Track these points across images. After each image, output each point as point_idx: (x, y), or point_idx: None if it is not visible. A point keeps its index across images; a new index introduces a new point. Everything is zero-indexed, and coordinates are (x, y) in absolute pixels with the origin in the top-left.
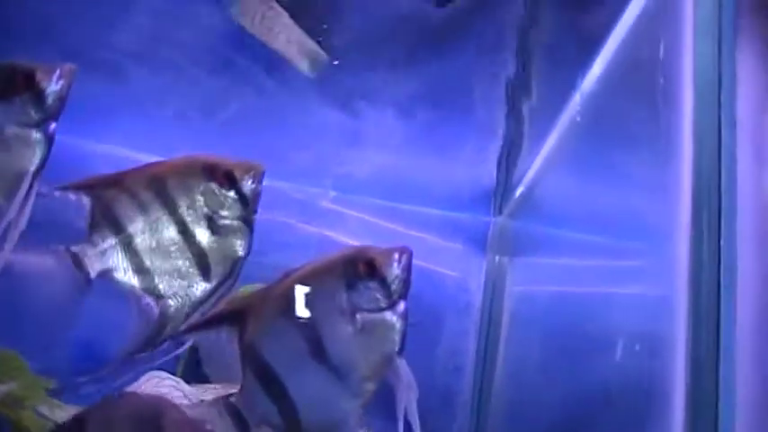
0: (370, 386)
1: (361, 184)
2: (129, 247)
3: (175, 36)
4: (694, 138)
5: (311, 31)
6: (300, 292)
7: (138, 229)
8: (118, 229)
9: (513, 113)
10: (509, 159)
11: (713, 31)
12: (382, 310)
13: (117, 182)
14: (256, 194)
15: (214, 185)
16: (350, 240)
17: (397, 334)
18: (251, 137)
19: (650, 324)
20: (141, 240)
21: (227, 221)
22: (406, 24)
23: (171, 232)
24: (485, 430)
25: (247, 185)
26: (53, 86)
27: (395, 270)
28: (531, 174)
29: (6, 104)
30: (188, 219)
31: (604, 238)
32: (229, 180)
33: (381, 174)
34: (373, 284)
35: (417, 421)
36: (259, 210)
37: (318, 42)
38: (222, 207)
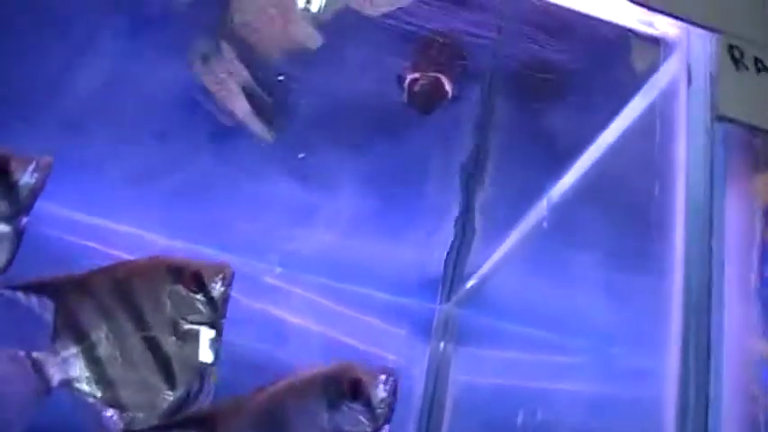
0: None
1: (308, 262)
2: (91, 355)
3: (128, 96)
4: (686, 263)
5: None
6: (279, 409)
7: (101, 336)
8: (81, 336)
9: (467, 202)
10: (460, 247)
11: (706, 163)
12: None
13: (81, 284)
14: (225, 298)
15: (182, 289)
16: (293, 319)
17: None
18: (199, 205)
19: (590, 421)
20: (104, 349)
21: (194, 326)
22: (367, 106)
23: (135, 340)
24: None
25: (216, 288)
26: (27, 179)
27: (381, 393)
28: (486, 266)
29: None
30: (153, 324)
31: (550, 334)
32: (198, 283)
33: (329, 253)
34: (357, 406)
35: None
36: None
37: (275, 116)
38: (190, 311)
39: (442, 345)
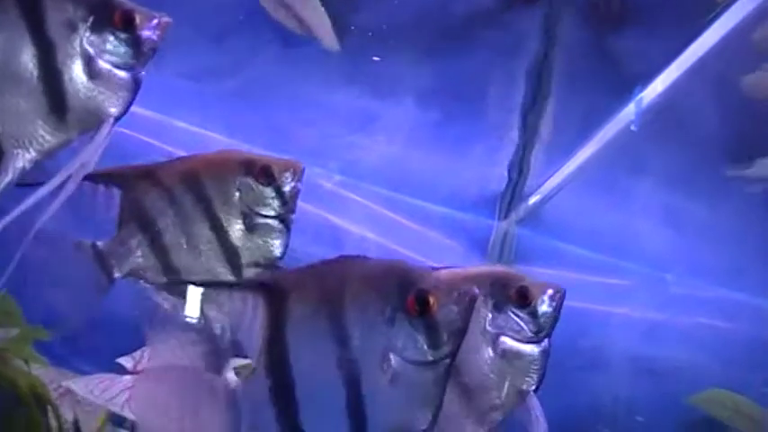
0: (497, 415)
1: (368, 172)
2: (158, 243)
3: None
4: None
5: (338, 13)
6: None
7: (167, 224)
8: (147, 225)
9: (529, 120)
10: (522, 165)
11: None
12: (527, 341)
13: (148, 174)
14: (295, 193)
15: (251, 181)
16: (350, 226)
17: (538, 370)
18: (260, 107)
19: (644, 346)
20: (171, 236)
21: (263, 219)
22: (430, 17)
23: (203, 229)
24: None
25: (287, 183)
26: (150, 34)
27: (546, 306)
28: (549, 184)
29: (100, 38)
30: (222, 215)
31: (607, 257)
32: (267, 176)
33: (389, 163)
34: (523, 314)
35: None
36: None
37: (341, 23)
38: (259, 204)
39: (498, 261)
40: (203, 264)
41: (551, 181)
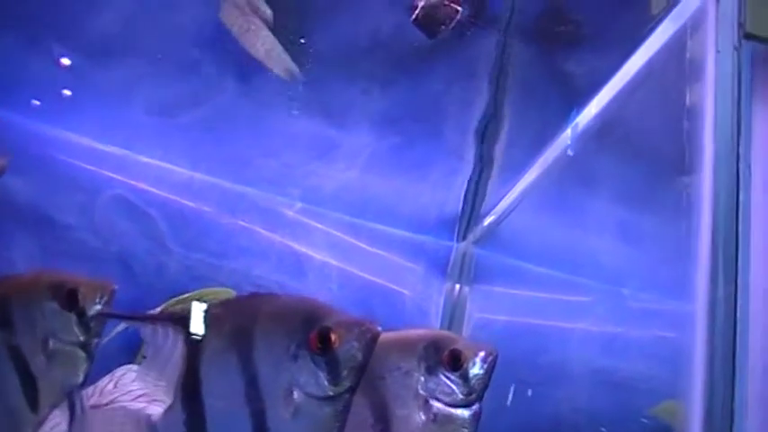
0: None
1: (328, 198)
2: None
3: (152, 30)
4: (714, 193)
5: (290, 42)
6: (375, 359)
7: None
8: None
9: (485, 141)
10: (477, 186)
11: (733, 85)
12: (458, 406)
13: None
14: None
15: (56, 306)
16: (312, 253)
17: None
18: (221, 139)
19: (603, 360)
20: None
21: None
22: (386, 44)
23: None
24: None
25: (93, 308)
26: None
27: (478, 369)
28: (502, 204)
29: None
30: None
31: (564, 273)
32: (71, 301)
33: (349, 189)
34: (454, 377)
35: None
36: (222, 213)
37: (297, 52)
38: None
39: (458, 282)
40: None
41: (505, 201)
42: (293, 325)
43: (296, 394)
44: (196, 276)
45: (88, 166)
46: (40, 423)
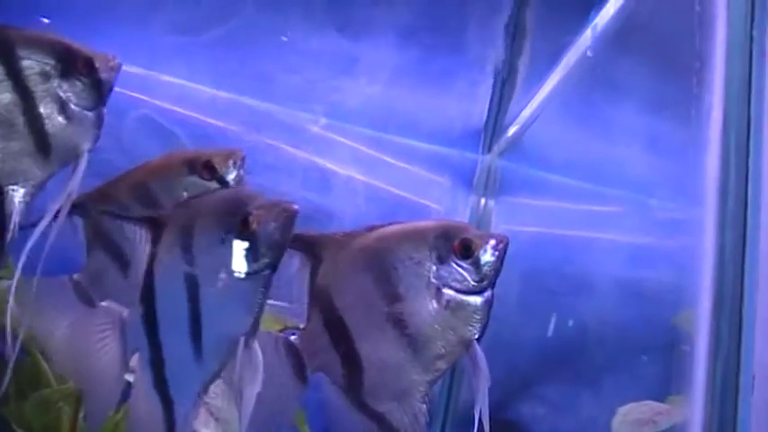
0: (442, 365)
1: (352, 113)
2: (124, 264)
3: None
4: (725, 93)
5: None
6: (387, 250)
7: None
8: (110, 247)
9: (510, 52)
10: (502, 98)
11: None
12: (470, 293)
13: (103, 195)
14: (240, 180)
15: (196, 178)
16: (337, 168)
17: (480, 320)
18: (241, 57)
19: (629, 270)
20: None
21: None
22: None
23: None
24: (460, 367)
25: (231, 174)
26: (108, 75)
27: (489, 256)
28: (525, 114)
29: (68, 84)
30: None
31: (590, 184)
32: (210, 171)
33: (373, 103)
34: (465, 265)
35: (487, 407)
36: (246, 131)
37: None
38: None
39: (483, 194)
40: None
41: (529, 110)
42: (223, 215)
43: (223, 273)
44: None
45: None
46: None
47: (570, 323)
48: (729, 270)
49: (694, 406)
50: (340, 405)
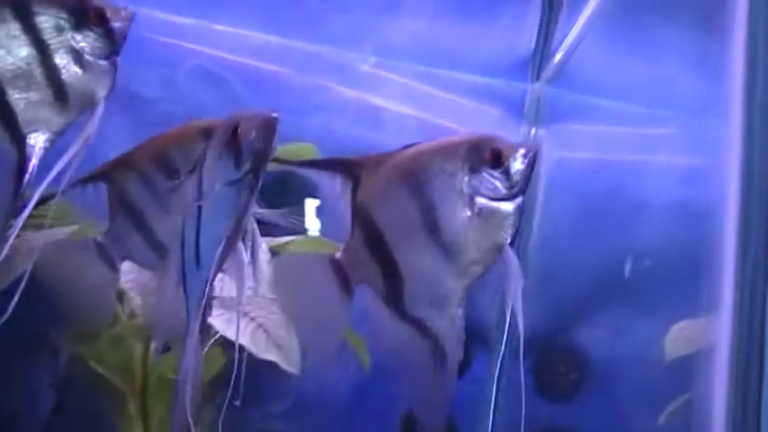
0: (477, 269)
1: (400, 50)
2: (145, 227)
3: None
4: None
5: None
6: (421, 165)
7: (148, 206)
8: (132, 211)
9: None
10: (549, 24)
11: None
12: (501, 200)
13: (124, 163)
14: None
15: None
16: (388, 105)
17: (512, 225)
18: (290, 1)
19: (684, 192)
20: (153, 219)
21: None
22: None
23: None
24: None
25: (248, 140)
26: (120, 25)
27: (519, 164)
28: (571, 39)
29: (82, 35)
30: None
31: (640, 107)
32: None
33: (420, 39)
34: (497, 174)
35: (520, 309)
36: (298, 73)
37: None
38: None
39: (534, 123)
40: None
41: (573, 35)
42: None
43: (215, 184)
44: (277, 135)
45: (167, 40)
46: None
47: (625, 246)
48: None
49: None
50: (382, 314)
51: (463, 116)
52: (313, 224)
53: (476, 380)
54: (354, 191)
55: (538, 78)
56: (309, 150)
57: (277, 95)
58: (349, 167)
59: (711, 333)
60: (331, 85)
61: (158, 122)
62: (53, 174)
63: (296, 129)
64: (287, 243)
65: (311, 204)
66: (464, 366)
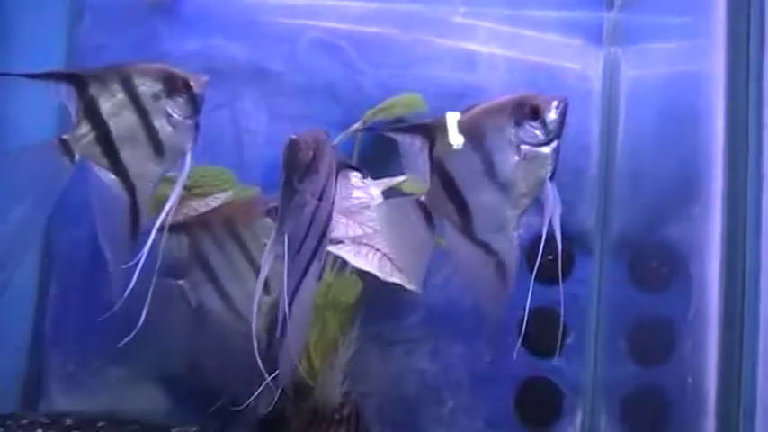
0: (526, 201)
1: None
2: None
3: None
4: None
5: None
6: (477, 123)
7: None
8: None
9: None
10: None
11: None
12: (541, 145)
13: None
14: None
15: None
16: (480, 48)
17: (550, 164)
18: None
19: None
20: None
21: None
22: None
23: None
24: (612, 200)
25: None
26: (200, 90)
27: (554, 115)
28: None
29: (173, 101)
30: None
31: (707, 19)
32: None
33: None
34: (536, 124)
35: (559, 231)
36: (399, 30)
37: None
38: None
39: (612, 47)
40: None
41: None
42: None
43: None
44: (386, 88)
45: (285, 20)
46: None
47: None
48: None
49: None
50: (457, 240)
51: (548, 50)
52: None
53: (581, 281)
54: (431, 148)
55: (612, 6)
56: (416, 99)
57: (383, 54)
58: (426, 129)
59: None
60: (428, 38)
61: (286, 92)
62: (164, 214)
63: (402, 80)
64: (401, 182)
65: None
66: (566, 269)
